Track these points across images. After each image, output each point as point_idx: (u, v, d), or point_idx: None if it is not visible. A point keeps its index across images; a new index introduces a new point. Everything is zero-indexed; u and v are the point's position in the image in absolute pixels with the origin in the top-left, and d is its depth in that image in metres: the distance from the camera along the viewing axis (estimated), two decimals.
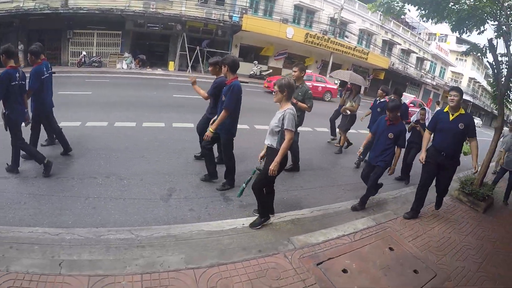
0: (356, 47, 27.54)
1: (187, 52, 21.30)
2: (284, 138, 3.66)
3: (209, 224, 4.01)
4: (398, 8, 7.00)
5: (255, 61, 24.49)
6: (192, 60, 21.42)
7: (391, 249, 3.80)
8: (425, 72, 38.12)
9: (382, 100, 7.10)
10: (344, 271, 3.22)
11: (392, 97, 6.77)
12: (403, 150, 5.19)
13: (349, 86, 8.39)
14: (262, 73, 23.73)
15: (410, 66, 35.96)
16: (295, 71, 5.52)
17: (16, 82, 4.68)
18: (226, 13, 23.21)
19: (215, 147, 5.24)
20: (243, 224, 4.02)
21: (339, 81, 22.57)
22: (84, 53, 21.09)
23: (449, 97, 4.53)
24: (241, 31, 22.59)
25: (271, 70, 24.35)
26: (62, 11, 20.12)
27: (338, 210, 4.75)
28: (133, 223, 4.01)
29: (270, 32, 22.77)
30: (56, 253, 3.24)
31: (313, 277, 3.06)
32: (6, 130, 4.81)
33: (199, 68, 22.13)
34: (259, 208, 4.03)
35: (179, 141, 7.04)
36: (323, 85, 20.77)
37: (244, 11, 22.91)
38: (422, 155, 4.68)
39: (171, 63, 22.24)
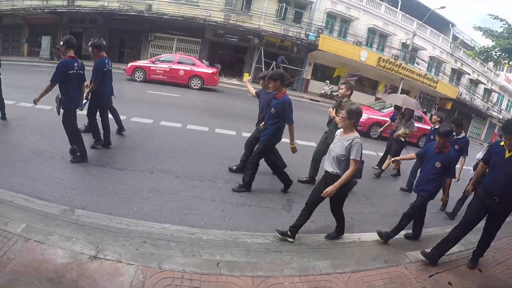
0: (426, 74, 27.23)
1: (263, 65, 22.32)
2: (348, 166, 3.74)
3: None
4: (495, 57, 7.62)
5: (327, 81, 25.02)
6: None
7: (480, 270, 4.58)
8: (491, 104, 36.40)
9: (437, 127, 6.25)
10: (449, 283, 4.02)
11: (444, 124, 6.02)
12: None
13: (403, 110, 8.22)
14: (333, 93, 23.90)
15: (478, 97, 34.60)
16: (342, 89, 5.69)
17: (74, 71, 4.91)
18: (302, 31, 24.14)
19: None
20: (359, 239, 4.62)
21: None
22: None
23: (504, 140, 3.79)
24: (316, 50, 23.24)
25: None
26: (146, 15, 21.72)
27: (428, 235, 5.30)
28: (263, 229, 4.31)
29: (345, 54, 23.14)
30: (196, 252, 3.35)
31: (429, 286, 3.82)
32: (58, 115, 5.08)
33: None
34: (339, 227, 4.39)
35: (289, 155, 5.96)
36: (187, 68, 15.54)
37: (320, 31, 23.69)
38: (468, 187, 4.55)
39: (245, 74, 23.44)
